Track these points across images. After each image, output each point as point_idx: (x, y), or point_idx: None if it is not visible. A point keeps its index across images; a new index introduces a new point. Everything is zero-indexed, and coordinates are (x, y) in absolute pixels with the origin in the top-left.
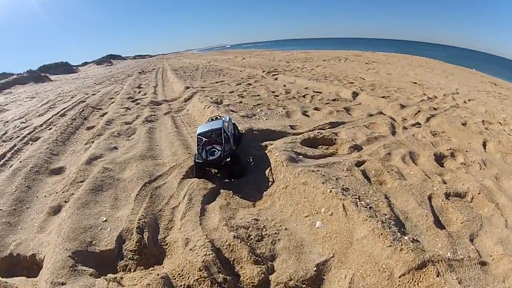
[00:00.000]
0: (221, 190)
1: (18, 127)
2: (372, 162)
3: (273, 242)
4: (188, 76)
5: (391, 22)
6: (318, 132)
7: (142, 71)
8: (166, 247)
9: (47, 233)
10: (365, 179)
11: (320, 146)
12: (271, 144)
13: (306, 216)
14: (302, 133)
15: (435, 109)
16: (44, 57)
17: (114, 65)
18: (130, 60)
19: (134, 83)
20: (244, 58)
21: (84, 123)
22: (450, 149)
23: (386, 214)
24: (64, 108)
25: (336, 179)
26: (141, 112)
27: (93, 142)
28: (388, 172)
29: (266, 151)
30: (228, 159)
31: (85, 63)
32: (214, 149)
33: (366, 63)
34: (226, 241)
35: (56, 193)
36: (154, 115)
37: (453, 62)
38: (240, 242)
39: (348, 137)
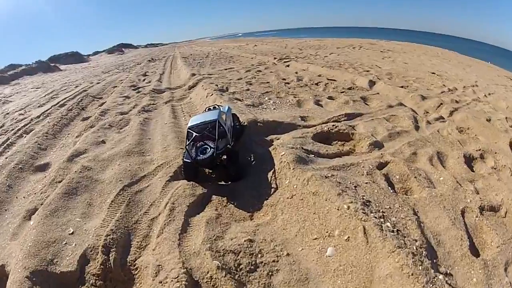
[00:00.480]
0: (213, 197)
1: (15, 119)
2: (397, 164)
3: (270, 274)
4: (197, 63)
5: (403, 12)
6: (333, 125)
7: (152, 59)
8: (135, 272)
9: (19, 242)
10: (389, 187)
11: (335, 142)
12: (278, 139)
13: (315, 238)
14: (315, 125)
15: (457, 102)
16: (55, 48)
17: (125, 54)
18: (142, 48)
19: (141, 71)
20: (255, 46)
21: (80, 113)
22: (479, 149)
23: (416, 240)
24: (64, 98)
25: (355, 187)
26: (139, 101)
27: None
28: (415, 177)
29: (270, 148)
30: (223, 157)
31: (96, 52)
32: (206, 146)
33: (381, 51)
34: (208, 273)
35: (35, 194)
36: (153, 104)
37: (467, 54)
38: (225, 275)
39: (367, 132)
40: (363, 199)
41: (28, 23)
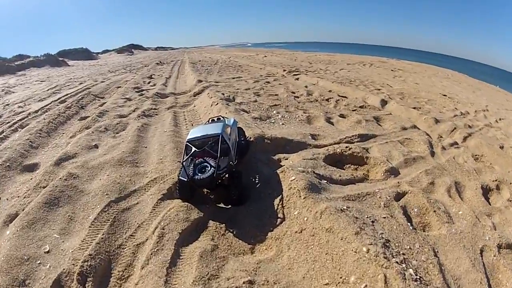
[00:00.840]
0: (210, 222)
1: (14, 111)
2: (415, 195)
3: None
4: (205, 70)
5: (412, 31)
6: (346, 147)
7: (160, 62)
8: None
9: None
10: (408, 223)
11: (348, 166)
12: (286, 159)
13: (326, 284)
14: (326, 145)
15: (470, 126)
16: (64, 41)
17: (135, 55)
18: (152, 51)
19: (147, 73)
20: (265, 56)
21: (79, 112)
22: (495, 180)
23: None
24: (66, 94)
25: (372, 222)
26: (141, 105)
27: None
28: (434, 211)
29: (279, 170)
30: (224, 176)
31: (106, 51)
32: (205, 164)
33: (391, 70)
34: None
35: (18, 197)
36: (155, 109)
37: (475, 77)
38: None
39: (382, 156)
40: (383, 238)
41: (40, 14)
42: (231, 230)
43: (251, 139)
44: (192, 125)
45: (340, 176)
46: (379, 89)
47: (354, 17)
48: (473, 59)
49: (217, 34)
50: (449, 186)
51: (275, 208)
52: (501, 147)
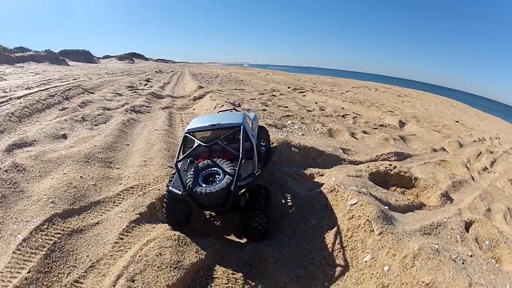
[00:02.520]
0: (217, 269)
1: None
2: (484, 225)
3: None
4: (206, 80)
5: (410, 63)
6: (390, 165)
7: (160, 70)
8: None
9: None
10: (493, 262)
11: (394, 187)
12: (322, 175)
13: None
14: (362, 162)
15: (491, 152)
16: (66, 42)
17: (135, 64)
18: (152, 61)
19: (145, 77)
20: (267, 75)
21: (62, 102)
22: None
23: None
24: (55, 86)
25: (462, 263)
26: (131, 101)
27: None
28: (505, 243)
29: (324, 189)
30: (244, 193)
31: (107, 56)
32: (215, 170)
33: (398, 95)
34: None
35: None
36: (147, 106)
37: (476, 108)
38: None
39: (427, 177)
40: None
41: (46, 9)
42: (252, 285)
43: (274, 145)
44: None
45: (396, 201)
46: (392, 111)
47: (354, 45)
48: (469, 91)
49: (218, 52)
50: (504, 212)
51: (328, 249)
52: None
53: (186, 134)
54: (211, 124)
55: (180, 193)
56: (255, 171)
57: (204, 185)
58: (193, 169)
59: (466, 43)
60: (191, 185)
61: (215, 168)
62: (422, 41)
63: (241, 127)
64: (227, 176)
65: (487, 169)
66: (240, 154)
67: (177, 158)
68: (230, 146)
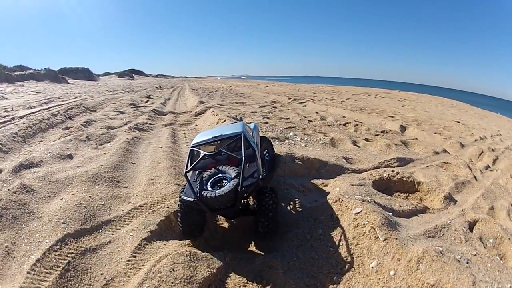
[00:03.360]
0: (229, 282)
1: None
2: (488, 223)
3: None
4: (206, 95)
5: (407, 66)
6: (393, 171)
7: (160, 86)
8: None
9: None
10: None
11: (397, 193)
12: (326, 186)
13: None
14: (365, 169)
15: (493, 150)
16: (65, 59)
17: (135, 80)
18: (152, 77)
19: (146, 94)
20: (267, 86)
21: (65, 121)
22: None
23: None
24: (57, 105)
25: (467, 263)
26: (134, 118)
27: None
28: (509, 239)
29: (329, 199)
30: (250, 195)
31: (106, 73)
32: (221, 176)
33: (398, 100)
34: None
35: None
36: (150, 124)
37: (476, 106)
38: None
39: (430, 181)
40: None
41: (45, 27)
42: None
43: (278, 154)
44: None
45: (400, 206)
46: (392, 116)
47: (352, 52)
48: (468, 90)
49: (217, 65)
50: (508, 209)
51: (335, 257)
52: None
53: (192, 148)
54: (213, 136)
55: (192, 199)
56: (259, 174)
57: (213, 189)
58: (201, 177)
59: (462, 41)
60: (200, 191)
61: (221, 174)
62: (418, 42)
63: (242, 135)
64: (233, 180)
65: (490, 167)
66: (243, 158)
67: (186, 169)
68: (234, 153)
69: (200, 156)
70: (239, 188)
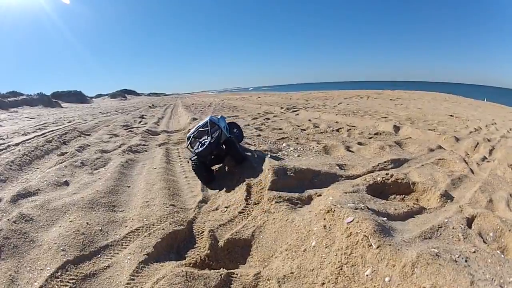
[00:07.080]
0: None
1: None
2: (486, 217)
3: None
4: (199, 111)
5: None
6: (386, 174)
7: (153, 105)
8: None
9: None
10: (498, 253)
11: (393, 195)
12: (320, 195)
13: None
14: (360, 175)
15: (489, 140)
16: (57, 83)
17: (128, 100)
18: (145, 96)
19: (139, 114)
20: (259, 97)
21: (60, 147)
22: None
23: None
24: (51, 130)
25: (466, 261)
26: (128, 141)
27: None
28: (509, 231)
29: (322, 210)
30: (222, 146)
31: (99, 95)
32: (204, 141)
33: (390, 99)
34: None
35: None
36: (144, 145)
37: (468, 97)
38: None
39: (426, 180)
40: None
41: (36, 52)
42: None
43: (269, 169)
44: (188, 162)
45: (395, 209)
46: (385, 117)
47: (343, 56)
48: (460, 82)
49: (209, 80)
50: (507, 200)
51: (330, 268)
52: None
53: (189, 136)
54: (197, 127)
55: (195, 157)
56: (223, 136)
57: (200, 148)
58: (195, 144)
59: (449, 34)
60: (195, 149)
61: (204, 141)
62: (405, 39)
63: (208, 122)
64: (208, 141)
65: (486, 158)
66: (209, 131)
67: (187, 144)
68: (205, 129)
69: (192, 136)
70: (211, 143)
